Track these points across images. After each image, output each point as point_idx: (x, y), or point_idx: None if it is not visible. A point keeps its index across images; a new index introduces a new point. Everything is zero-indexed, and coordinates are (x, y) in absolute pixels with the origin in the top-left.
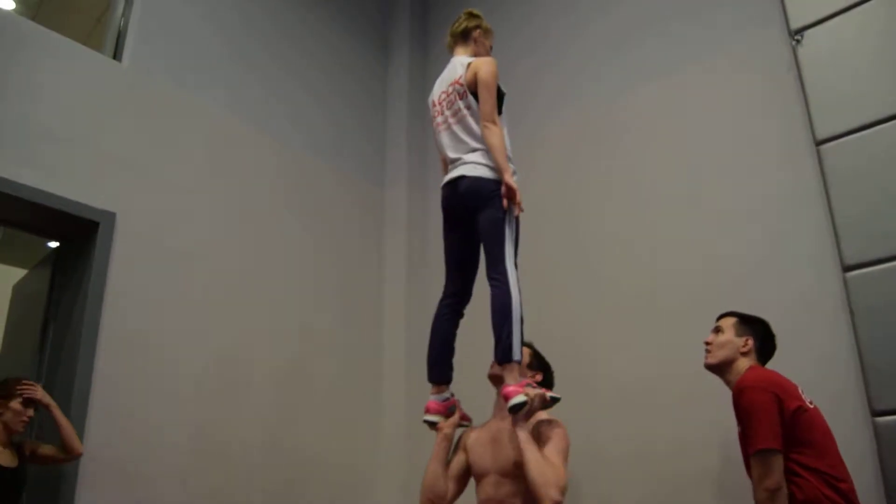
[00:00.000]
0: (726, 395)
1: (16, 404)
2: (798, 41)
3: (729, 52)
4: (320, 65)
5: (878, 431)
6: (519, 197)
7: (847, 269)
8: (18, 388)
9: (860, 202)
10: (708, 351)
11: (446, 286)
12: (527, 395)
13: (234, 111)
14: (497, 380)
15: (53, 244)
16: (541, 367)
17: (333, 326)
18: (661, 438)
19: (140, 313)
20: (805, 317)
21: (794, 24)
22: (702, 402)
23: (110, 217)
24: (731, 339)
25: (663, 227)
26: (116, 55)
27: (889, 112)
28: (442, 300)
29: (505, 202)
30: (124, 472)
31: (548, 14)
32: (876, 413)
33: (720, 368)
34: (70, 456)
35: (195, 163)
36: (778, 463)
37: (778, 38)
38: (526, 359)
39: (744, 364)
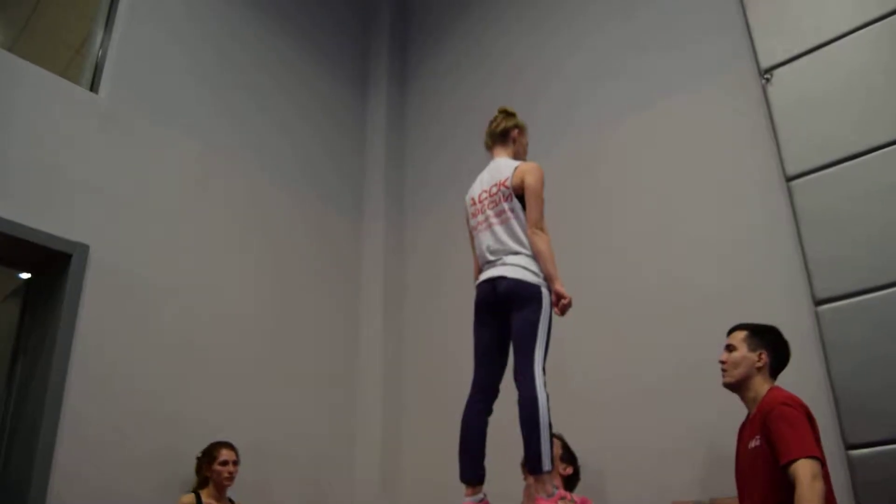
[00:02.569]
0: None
1: (217, 465)
2: (768, 80)
3: (700, 90)
4: (297, 101)
5: (851, 465)
6: (569, 304)
7: (819, 303)
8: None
9: (831, 237)
10: (724, 370)
11: (475, 382)
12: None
13: (209, 145)
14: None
15: (25, 276)
16: (570, 459)
17: (309, 361)
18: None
19: (111, 346)
20: None
21: (764, 64)
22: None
23: (83, 249)
24: (745, 354)
25: (636, 263)
26: (94, 87)
27: (857, 149)
28: (472, 396)
29: (550, 308)
30: None
31: (524, 52)
32: (849, 446)
33: (738, 387)
34: None
35: (169, 196)
36: (821, 472)
37: (749, 77)
38: (557, 450)
39: (761, 382)
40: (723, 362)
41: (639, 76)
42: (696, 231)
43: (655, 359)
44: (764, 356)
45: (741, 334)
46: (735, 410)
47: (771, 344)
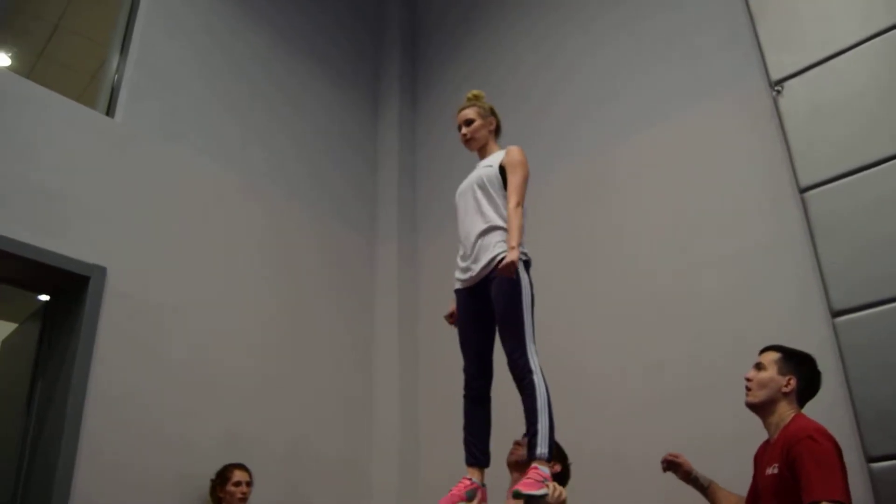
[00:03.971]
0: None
1: (231, 486)
2: (779, 92)
3: (712, 103)
4: (311, 121)
5: (873, 478)
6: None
7: (835, 314)
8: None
9: (846, 248)
10: (748, 388)
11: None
12: (548, 488)
13: (225, 168)
14: (514, 467)
15: (44, 298)
16: (559, 456)
17: (325, 381)
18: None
19: (129, 368)
20: None
21: (774, 76)
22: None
23: (101, 272)
24: (773, 376)
25: (649, 275)
26: (109, 111)
27: (870, 159)
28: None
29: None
30: None
31: (532, 69)
32: (871, 459)
33: (761, 408)
34: None
35: (185, 218)
36: None
37: (760, 89)
38: None
39: (786, 407)
40: (748, 380)
41: (649, 90)
42: (709, 244)
43: (670, 373)
44: (793, 382)
45: (774, 355)
46: (741, 426)
47: (803, 371)
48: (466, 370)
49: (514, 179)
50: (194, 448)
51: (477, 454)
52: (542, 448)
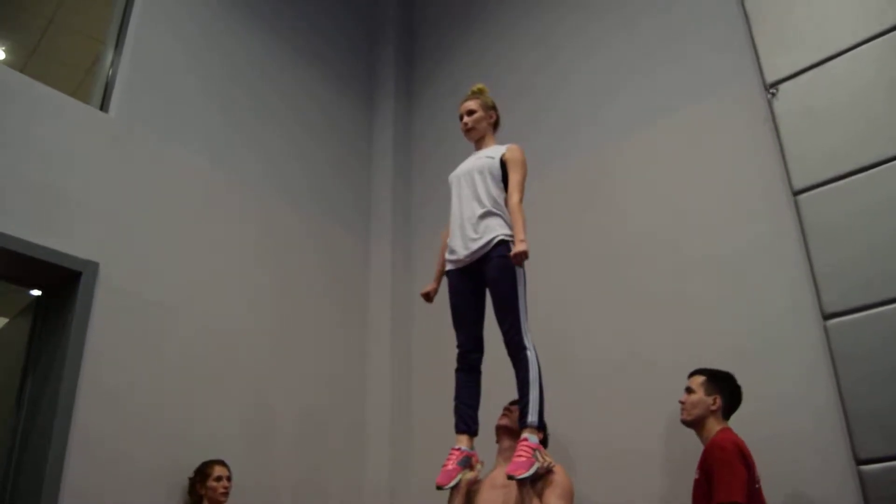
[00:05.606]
0: None
1: (212, 481)
2: (773, 94)
3: (706, 105)
4: (305, 118)
5: (863, 480)
6: None
7: (827, 317)
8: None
9: (838, 250)
10: (683, 409)
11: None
12: (537, 461)
13: (218, 165)
14: (503, 431)
15: (35, 293)
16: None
17: (317, 378)
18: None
19: (121, 363)
20: (786, 366)
21: (769, 79)
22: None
23: (93, 267)
24: (701, 398)
25: (642, 277)
26: (104, 107)
27: (863, 162)
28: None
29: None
30: None
31: (529, 69)
32: (861, 461)
33: (694, 425)
34: None
35: (178, 214)
36: None
37: (754, 91)
38: None
39: (714, 423)
40: (682, 402)
41: (644, 91)
42: (702, 246)
43: (661, 372)
44: (718, 400)
45: (700, 378)
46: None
47: (725, 389)
48: (462, 345)
49: (516, 177)
50: (185, 442)
51: (468, 421)
52: (532, 416)
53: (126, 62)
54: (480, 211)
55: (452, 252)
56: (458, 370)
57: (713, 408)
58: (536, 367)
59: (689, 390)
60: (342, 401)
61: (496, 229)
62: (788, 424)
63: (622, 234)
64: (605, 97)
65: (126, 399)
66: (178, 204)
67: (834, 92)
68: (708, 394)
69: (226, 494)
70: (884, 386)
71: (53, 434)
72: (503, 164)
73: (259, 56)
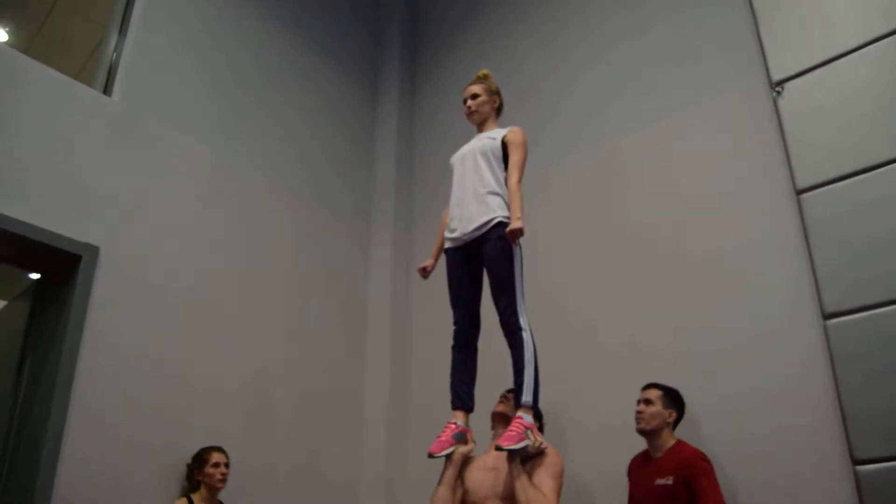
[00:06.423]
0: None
1: (209, 468)
2: (779, 93)
3: (711, 103)
4: (307, 110)
5: (859, 480)
6: None
7: (827, 317)
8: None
9: (840, 251)
10: (640, 418)
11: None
12: (528, 438)
13: (220, 150)
14: (499, 418)
15: (35, 276)
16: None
17: (315, 369)
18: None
19: (119, 347)
20: (785, 365)
21: (775, 77)
22: None
23: (93, 251)
24: (660, 410)
25: (645, 275)
26: (107, 90)
27: (867, 163)
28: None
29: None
30: None
31: (535, 67)
32: (857, 461)
33: (651, 434)
34: None
35: (180, 200)
36: None
37: (759, 90)
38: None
39: (668, 435)
40: (640, 412)
41: (651, 90)
42: (705, 244)
43: (658, 371)
44: (674, 415)
45: (658, 392)
46: (726, 423)
47: (679, 406)
48: (459, 322)
49: (516, 158)
50: (183, 426)
51: (464, 397)
52: (527, 396)
53: (130, 46)
54: (481, 191)
55: (451, 230)
56: (453, 347)
57: (669, 420)
58: (532, 348)
59: (647, 402)
60: (341, 386)
61: (495, 210)
62: (786, 423)
63: (625, 230)
64: (610, 94)
65: (125, 383)
66: (179, 189)
67: (840, 91)
68: (665, 407)
69: (223, 481)
70: (882, 387)
71: (51, 416)
72: (504, 146)
73: (262, 45)
